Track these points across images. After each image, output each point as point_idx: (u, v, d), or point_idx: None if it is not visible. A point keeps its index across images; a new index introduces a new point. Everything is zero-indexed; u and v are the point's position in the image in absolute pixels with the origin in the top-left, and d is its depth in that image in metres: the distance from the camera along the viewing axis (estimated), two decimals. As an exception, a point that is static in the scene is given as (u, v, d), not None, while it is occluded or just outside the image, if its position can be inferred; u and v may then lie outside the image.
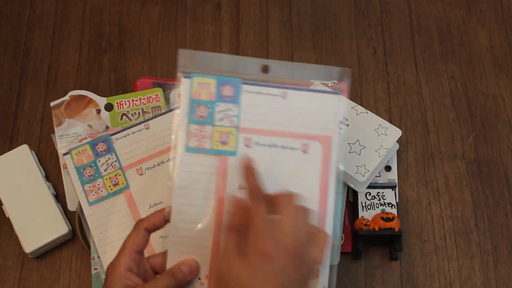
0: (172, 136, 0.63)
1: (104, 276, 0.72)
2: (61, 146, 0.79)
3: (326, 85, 0.83)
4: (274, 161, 0.62)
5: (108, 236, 0.73)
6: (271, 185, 0.60)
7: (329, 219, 0.62)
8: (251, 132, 0.62)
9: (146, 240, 0.60)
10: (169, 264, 0.61)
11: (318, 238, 0.57)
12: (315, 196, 0.62)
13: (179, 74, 0.63)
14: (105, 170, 0.75)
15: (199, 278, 0.60)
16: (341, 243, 0.76)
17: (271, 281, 0.52)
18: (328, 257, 0.62)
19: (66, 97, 0.82)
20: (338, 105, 0.64)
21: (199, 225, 0.61)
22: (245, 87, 0.63)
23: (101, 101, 0.82)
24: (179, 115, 0.62)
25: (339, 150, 0.63)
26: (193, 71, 0.63)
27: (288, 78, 0.65)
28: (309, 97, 0.64)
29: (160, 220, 0.60)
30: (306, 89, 0.64)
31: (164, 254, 0.61)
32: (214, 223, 0.61)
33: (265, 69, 0.66)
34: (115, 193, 0.74)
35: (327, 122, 0.63)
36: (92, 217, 0.73)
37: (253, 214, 0.55)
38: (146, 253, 0.62)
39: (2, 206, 0.77)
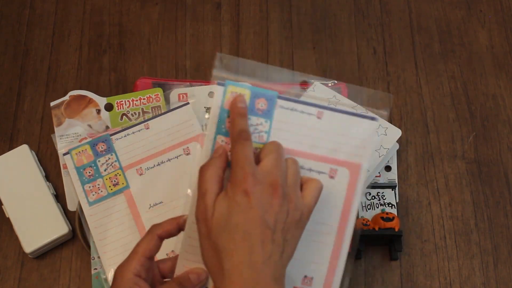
0: (205, 140, 0.59)
1: (104, 276, 0.72)
2: (61, 146, 0.79)
3: (326, 85, 0.83)
4: None
5: (108, 236, 0.73)
6: None
7: (345, 244, 0.60)
8: None
9: (158, 247, 0.59)
10: (178, 271, 0.60)
11: (309, 183, 0.56)
12: (335, 222, 0.60)
13: (213, 80, 0.60)
14: (105, 170, 0.75)
15: None
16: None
17: (254, 219, 0.51)
18: (338, 285, 0.60)
19: (66, 97, 0.82)
20: (373, 132, 0.60)
21: None
22: (280, 102, 0.59)
23: (101, 101, 0.82)
24: (208, 122, 0.59)
25: (367, 179, 0.60)
26: (228, 78, 0.60)
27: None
28: (345, 120, 0.60)
29: (174, 228, 0.59)
30: (343, 110, 0.60)
31: (173, 259, 0.60)
32: None
33: (304, 84, 0.62)
34: (115, 193, 0.74)
35: (359, 148, 0.60)
36: (92, 217, 0.73)
37: (237, 152, 0.53)
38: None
39: (2, 206, 0.77)
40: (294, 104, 0.59)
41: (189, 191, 0.60)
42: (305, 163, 0.59)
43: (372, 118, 0.60)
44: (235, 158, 0.54)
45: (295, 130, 0.59)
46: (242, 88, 0.59)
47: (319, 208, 0.59)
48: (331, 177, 0.59)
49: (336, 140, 0.59)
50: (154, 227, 0.60)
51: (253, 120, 0.58)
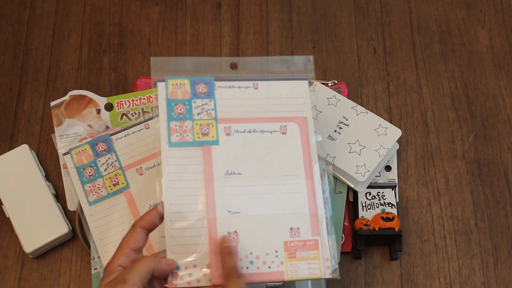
0: (157, 139, 0.65)
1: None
2: (61, 146, 0.79)
3: (326, 85, 0.83)
4: (256, 145, 0.66)
5: (108, 236, 0.73)
6: (257, 168, 0.65)
7: (318, 189, 0.65)
8: (229, 122, 0.66)
9: (143, 239, 0.60)
10: None
11: None
12: (301, 171, 0.65)
13: (153, 81, 0.66)
14: (105, 170, 0.75)
15: (201, 268, 0.61)
16: (341, 243, 0.76)
17: None
18: (325, 230, 0.63)
19: (66, 97, 0.82)
20: (307, 89, 0.69)
21: (193, 215, 0.62)
22: (218, 83, 0.68)
23: (101, 101, 0.82)
24: (159, 114, 0.65)
25: (314, 127, 0.67)
26: (167, 75, 0.67)
27: (261, 73, 0.70)
28: (279, 85, 0.69)
29: (154, 216, 0.61)
30: (275, 78, 0.69)
31: (164, 252, 0.61)
32: (207, 210, 0.62)
33: (233, 66, 0.69)
34: (115, 193, 0.74)
35: (300, 105, 0.68)
36: (92, 217, 0.73)
37: None
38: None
39: (2, 206, 0.77)
40: (231, 83, 0.68)
41: (158, 178, 0.63)
42: (256, 127, 0.67)
43: (302, 79, 0.69)
44: None
45: (238, 103, 0.67)
46: (181, 79, 0.67)
47: (282, 162, 0.65)
48: (283, 133, 0.67)
49: (277, 103, 0.68)
50: (136, 220, 0.61)
51: (199, 102, 0.67)
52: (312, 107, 0.68)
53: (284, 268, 0.62)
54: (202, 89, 0.67)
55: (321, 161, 0.66)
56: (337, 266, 0.63)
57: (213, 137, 0.65)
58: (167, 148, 0.64)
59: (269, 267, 0.62)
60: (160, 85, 0.67)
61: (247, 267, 0.62)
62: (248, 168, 0.65)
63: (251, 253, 0.62)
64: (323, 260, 0.62)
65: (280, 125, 0.67)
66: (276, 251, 0.62)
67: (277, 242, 0.63)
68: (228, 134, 0.66)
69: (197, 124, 0.65)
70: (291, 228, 0.63)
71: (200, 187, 0.63)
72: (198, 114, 0.66)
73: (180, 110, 0.66)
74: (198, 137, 0.65)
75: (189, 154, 0.64)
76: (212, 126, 0.66)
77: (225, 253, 0.60)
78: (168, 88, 0.66)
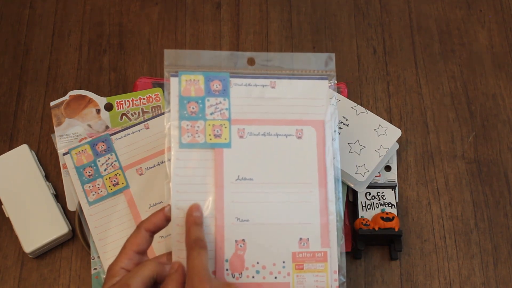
0: (166, 138, 0.63)
1: (104, 276, 0.72)
2: (61, 146, 0.79)
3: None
4: (270, 149, 0.63)
5: (108, 236, 0.73)
6: (269, 175, 0.62)
7: (330, 199, 0.63)
8: (243, 123, 0.64)
9: (147, 241, 0.60)
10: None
11: None
12: (314, 180, 0.63)
13: (166, 74, 0.64)
14: (105, 170, 0.75)
15: None
16: (341, 243, 0.76)
17: None
18: (335, 242, 0.62)
19: (66, 97, 0.82)
20: (327, 90, 0.65)
21: None
22: (234, 80, 0.64)
23: (101, 101, 0.82)
24: (170, 114, 0.63)
25: (333, 132, 0.64)
26: (180, 70, 0.64)
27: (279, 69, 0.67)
28: (298, 84, 0.65)
29: (160, 219, 0.60)
30: (294, 77, 0.65)
31: (169, 255, 0.61)
32: (215, 217, 0.61)
33: (251, 62, 0.67)
34: (115, 193, 0.74)
35: (318, 107, 0.65)
36: (92, 217, 0.73)
37: (193, 260, 0.55)
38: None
39: (2, 206, 0.77)
40: (247, 80, 0.64)
41: (166, 180, 0.62)
42: (271, 130, 0.63)
43: (322, 78, 0.65)
44: (191, 266, 0.55)
45: (254, 102, 0.64)
46: (195, 75, 0.64)
47: (296, 169, 0.63)
48: (299, 137, 0.64)
49: (294, 104, 0.64)
50: (141, 222, 0.60)
51: (212, 100, 0.63)
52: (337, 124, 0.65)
53: (290, 280, 0.61)
54: (216, 87, 0.64)
55: (336, 169, 0.64)
56: (344, 280, 0.63)
57: (225, 139, 0.63)
58: (178, 149, 0.62)
59: (275, 277, 0.61)
60: (173, 81, 0.63)
61: (253, 277, 0.61)
62: (260, 174, 0.62)
63: (257, 263, 0.61)
64: (331, 272, 0.62)
65: (296, 128, 0.64)
66: (284, 262, 0.61)
67: (285, 253, 0.61)
68: (241, 137, 0.63)
69: (209, 125, 0.63)
70: (300, 239, 0.62)
71: (209, 192, 0.62)
72: (211, 113, 0.63)
73: (193, 108, 0.63)
74: (210, 139, 0.63)
75: (199, 156, 0.62)
76: (225, 127, 0.63)
77: (192, 222, 0.59)
78: (182, 84, 0.63)
